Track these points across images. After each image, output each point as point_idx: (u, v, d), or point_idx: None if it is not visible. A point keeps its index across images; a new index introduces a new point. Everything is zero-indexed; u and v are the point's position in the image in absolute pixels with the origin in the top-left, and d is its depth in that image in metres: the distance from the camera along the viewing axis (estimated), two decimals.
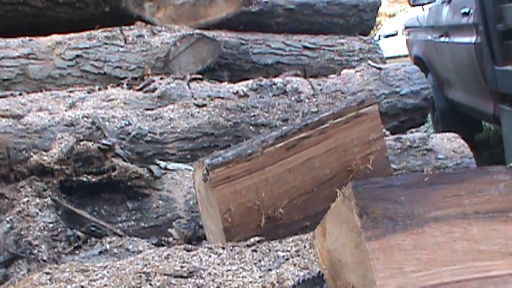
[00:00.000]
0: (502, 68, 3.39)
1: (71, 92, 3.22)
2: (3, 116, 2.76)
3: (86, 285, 1.66)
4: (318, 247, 1.40)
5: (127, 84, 3.35)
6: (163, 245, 2.42)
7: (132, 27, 3.79)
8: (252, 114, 3.18)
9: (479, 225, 1.26)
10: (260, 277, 1.66)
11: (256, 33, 4.28)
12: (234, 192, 2.00)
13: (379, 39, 10.90)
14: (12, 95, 3.16)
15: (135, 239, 2.48)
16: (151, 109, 3.12)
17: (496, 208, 1.28)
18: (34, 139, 2.70)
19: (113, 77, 3.52)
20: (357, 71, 3.79)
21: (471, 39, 4.01)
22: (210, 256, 1.80)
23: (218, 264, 1.74)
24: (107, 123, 2.84)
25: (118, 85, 3.39)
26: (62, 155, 2.61)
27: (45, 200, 2.51)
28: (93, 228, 2.54)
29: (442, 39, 4.83)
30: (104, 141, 2.72)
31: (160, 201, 2.71)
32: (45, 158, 2.60)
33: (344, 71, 3.86)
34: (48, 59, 3.50)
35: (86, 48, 3.57)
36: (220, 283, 1.64)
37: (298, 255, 1.79)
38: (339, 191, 1.28)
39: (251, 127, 3.13)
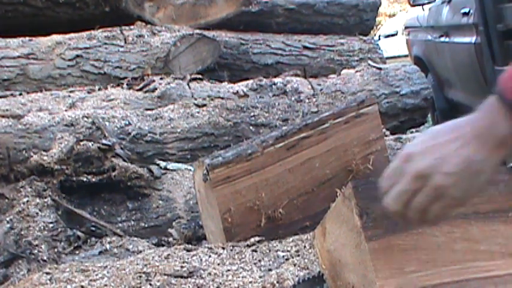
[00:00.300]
0: (502, 68, 3.38)
1: (71, 92, 3.21)
2: (3, 116, 2.76)
3: (86, 285, 1.66)
4: (318, 247, 1.40)
5: (127, 84, 3.35)
6: (163, 245, 2.42)
7: (132, 27, 3.79)
8: (252, 114, 3.18)
9: (479, 225, 1.26)
10: (260, 277, 1.66)
11: (256, 33, 4.27)
12: (234, 192, 2.00)
13: (379, 39, 10.90)
14: (12, 95, 3.15)
15: (135, 239, 2.48)
16: (151, 109, 3.11)
17: (496, 208, 1.28)
18: (34, 139, 2.70)
19: (113, 77, 3.52)
20: (357, 71, 3.78)
21: (471, 39, 4.01)
22: (210, 256, 1.80)
23: (218, 264, 1.74)
24: (107, 123, 2.84)
25: (118, 85, 3.38)
26: (62, 155, 2.60)
27: (45, 200, 2.51)
28: (93, 228, 2.54)
29: (442, 39, 4.83)
30: (104, 141, 2.72)
31: (160, 201, 2.71)
32: (45, 158, 2.60)
33: (344, 71, 3.86)
34: (48, 59, 3.50)
35: (86, 48, 3.56)
36: (220, 283, 1.64)
37: (298, 255, 1.78)
38: (339, 191, 1.28)
39: (251, 127, 3.13)
